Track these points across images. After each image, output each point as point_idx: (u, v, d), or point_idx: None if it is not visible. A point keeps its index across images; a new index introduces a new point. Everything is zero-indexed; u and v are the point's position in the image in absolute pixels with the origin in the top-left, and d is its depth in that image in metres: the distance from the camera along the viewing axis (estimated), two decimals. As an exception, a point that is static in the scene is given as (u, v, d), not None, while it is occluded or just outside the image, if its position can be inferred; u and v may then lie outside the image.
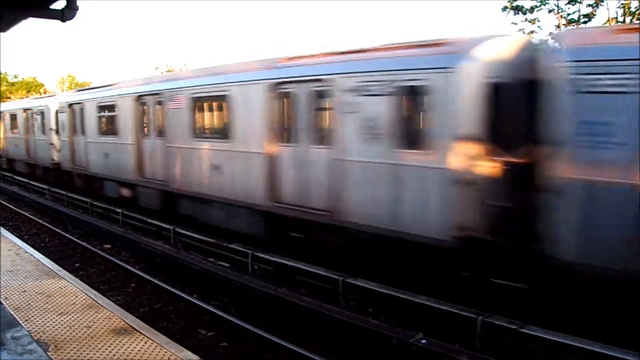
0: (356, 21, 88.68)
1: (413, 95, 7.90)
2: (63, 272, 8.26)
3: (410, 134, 7.98)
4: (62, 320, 6.05)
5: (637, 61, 5.87)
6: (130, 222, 14.39)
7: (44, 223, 15.89)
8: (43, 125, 22.12)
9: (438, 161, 7.46)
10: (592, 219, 6.24)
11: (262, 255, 9.96)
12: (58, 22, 6.68)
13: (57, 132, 20.63)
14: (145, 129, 14.39)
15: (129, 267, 10.94)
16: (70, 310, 6.41)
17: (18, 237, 11.80)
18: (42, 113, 22.30)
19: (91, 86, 27.04)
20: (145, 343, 5.43)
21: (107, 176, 16.58)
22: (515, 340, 6.26)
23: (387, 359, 6.55)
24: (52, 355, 5.14)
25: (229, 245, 10.74)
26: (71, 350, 5.26)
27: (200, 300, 8.79)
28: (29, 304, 6.62)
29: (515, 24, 22.84)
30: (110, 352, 5.21)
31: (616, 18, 20.62)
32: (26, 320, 6.06)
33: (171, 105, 12.85)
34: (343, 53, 9.38)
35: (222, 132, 11.49)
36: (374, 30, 77.94)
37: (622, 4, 20.57)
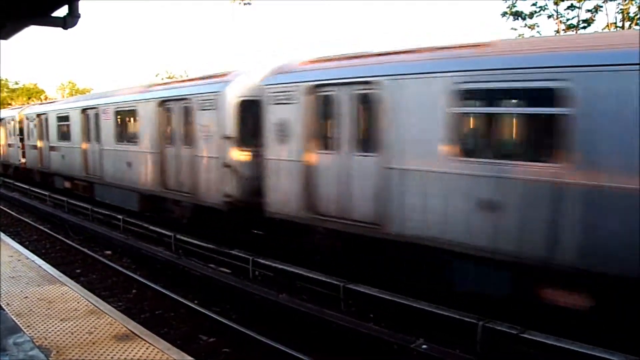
0: (358, 20, 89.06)
1: (205, 110, 11.83)
2: (64, 278, 8.26)
3: (201, 137, 11.95)
4: (64, 326, 6.06)
5: (293, 84, 9.64)
6: (131, 228, 14.44)
7: (45, 229, 15.95)
8: (15, 131, 26.00)
9: (215, 153, 11.54)
10: (279, 184, 10.10)
11: (262, 261, 9.99)
12: (60, 29, 6.72)
13: (27, 137, 24.36)
14: (89, 135, 17.75)
15: (130, 274, 10.98)
16: (72, 316, 6.41)
17: (19, 243, 11.79)
18: (14, 121, 26.08)
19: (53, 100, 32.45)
20: (147, 349, 5.44)
21: (64, 174, 20.36)
22: (517, 345, 6.28)
23: (388, 365, 6.58)
24: (54, 361, 5.15)
25: (230, 252, 10.77)
26: (73, 356, 5.26)
27: (201, 306, 8.80)
28: (31, 310, 6.63)
29: (515, 29, 22.91)
30: (112, 357, 5.22)
31: (615, 23, 20.69)
32: (28, 326, 6.06)
33: (104, 117, 16.55)
34: (201, 78, 13.18)
35: (133, 138, 15.14)
36: (379, 29, 78.15)
37: (621, 9, 20.66)
